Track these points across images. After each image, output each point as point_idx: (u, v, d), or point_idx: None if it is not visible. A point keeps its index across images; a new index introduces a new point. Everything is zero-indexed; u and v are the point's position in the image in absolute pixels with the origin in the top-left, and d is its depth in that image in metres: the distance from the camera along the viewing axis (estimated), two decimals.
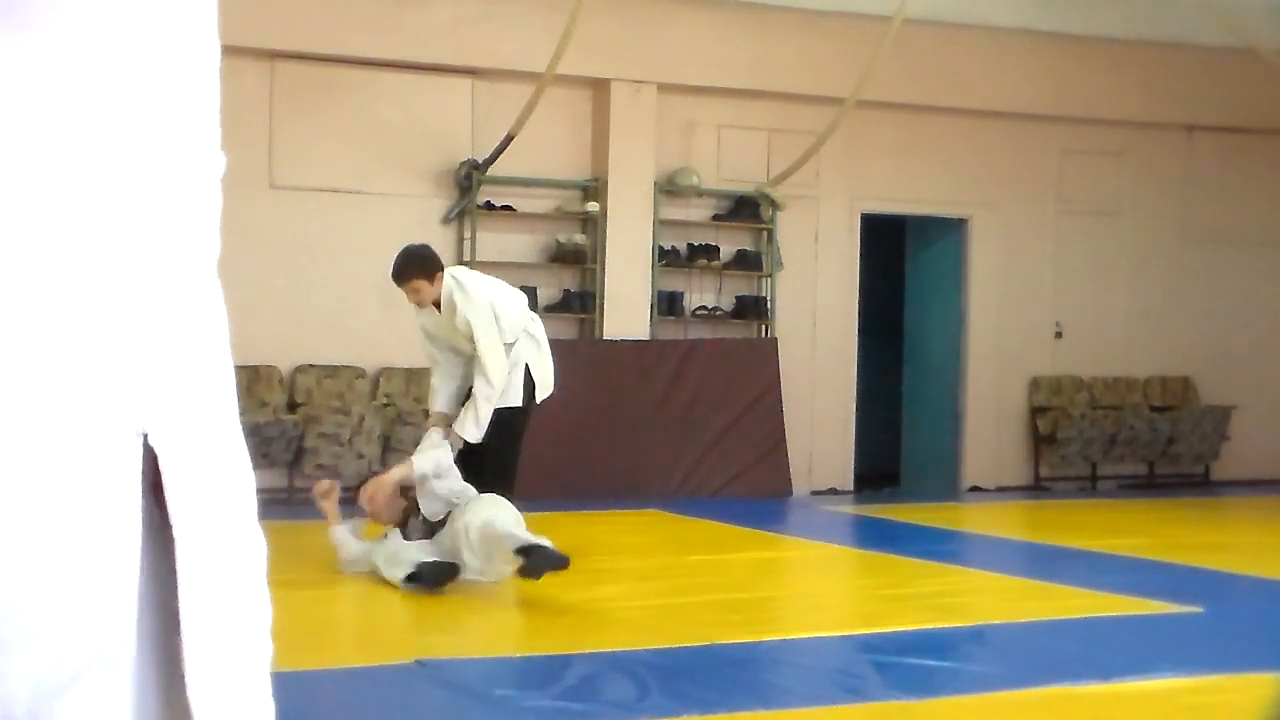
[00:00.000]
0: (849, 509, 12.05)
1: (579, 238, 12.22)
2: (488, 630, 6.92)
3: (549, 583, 7.58)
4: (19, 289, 1.02)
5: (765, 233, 12.97)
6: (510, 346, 7.82)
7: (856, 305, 13.43)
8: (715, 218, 12.86)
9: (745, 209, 12.85)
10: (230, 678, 1.13)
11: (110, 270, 1.07)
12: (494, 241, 11.91)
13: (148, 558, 1.08)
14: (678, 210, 12.72)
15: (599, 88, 12.32)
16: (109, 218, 1.09)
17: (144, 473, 1.07)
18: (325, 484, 8.00)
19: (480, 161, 11.72)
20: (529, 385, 7.98)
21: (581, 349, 11.87)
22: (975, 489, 13.70)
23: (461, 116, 11.90)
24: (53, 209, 1.05)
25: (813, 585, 8.47)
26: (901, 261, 14.22)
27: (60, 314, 1.04)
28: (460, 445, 7.73)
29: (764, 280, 12.97)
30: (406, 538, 7.56)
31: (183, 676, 1.10)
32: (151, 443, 1.08)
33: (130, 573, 1.06)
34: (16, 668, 1.00)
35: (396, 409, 11.45)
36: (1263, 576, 8.47)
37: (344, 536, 7.78)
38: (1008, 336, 13.85)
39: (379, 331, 11.29)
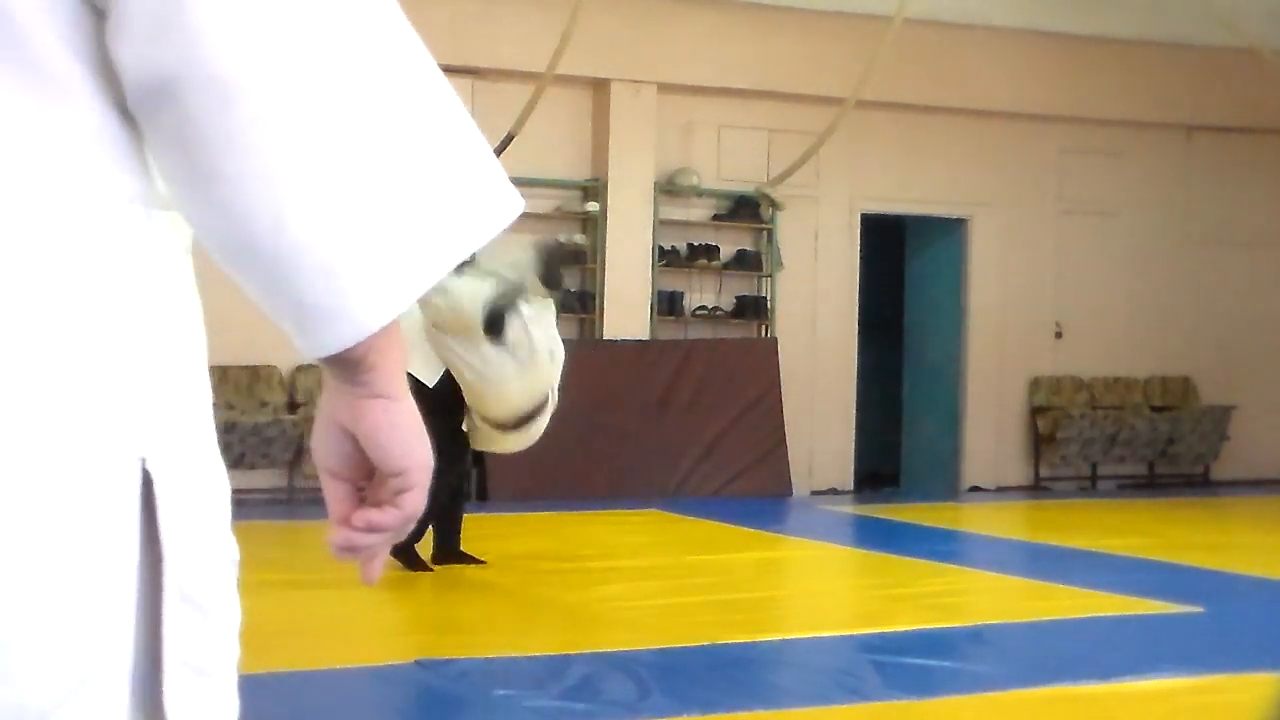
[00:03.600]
0: (849, 509, 12.05)
1: (579, 238, 12.22)
2: (488, 630, 6.92)
3: (549, 583, 7.59)
4: (27, 310, 1.11)
5: (765, 233, 12.97)
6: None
7: (856, 305, 13.42)
8: (715, 218, 12.86)
9: (745, 209, 12.84)
10: (205, 682, 1.19)
11: (111, 288, 1.14)
12: (494, 242, 11.89)
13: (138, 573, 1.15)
14: (678, 210, 12.72)
15: (599, 88, 12.32)
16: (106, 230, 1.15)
17: (141, 495, 1.14)
18: None
19: None
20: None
21: (581, 349, 11.87)
22: (975, 489, 13.69)
23: None
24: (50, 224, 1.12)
25: (813, 585, 8.47)
26: (901, 261, 14.22)
27: (71, 336, 1.12)
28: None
29: (764, 280, 12.97)
30: None
31: (159, 683, 1.16)
32: (149, 467, 1.14)
33: (128, 589, 1.13)
34: (22, 681, 1.07)
35: None
36: (1263, 576, 8.47)
37: None
38: (1008, 336, 13.85)
39: None
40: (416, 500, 1.23)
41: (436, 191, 1.20)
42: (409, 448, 1.23)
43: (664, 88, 12.52)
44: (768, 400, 12.52)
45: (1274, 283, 14.76)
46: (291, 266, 1.14)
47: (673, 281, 12.69)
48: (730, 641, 6.20)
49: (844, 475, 13.39)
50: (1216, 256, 14.59)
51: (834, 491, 13.17)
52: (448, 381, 7.31)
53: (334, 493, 1.25)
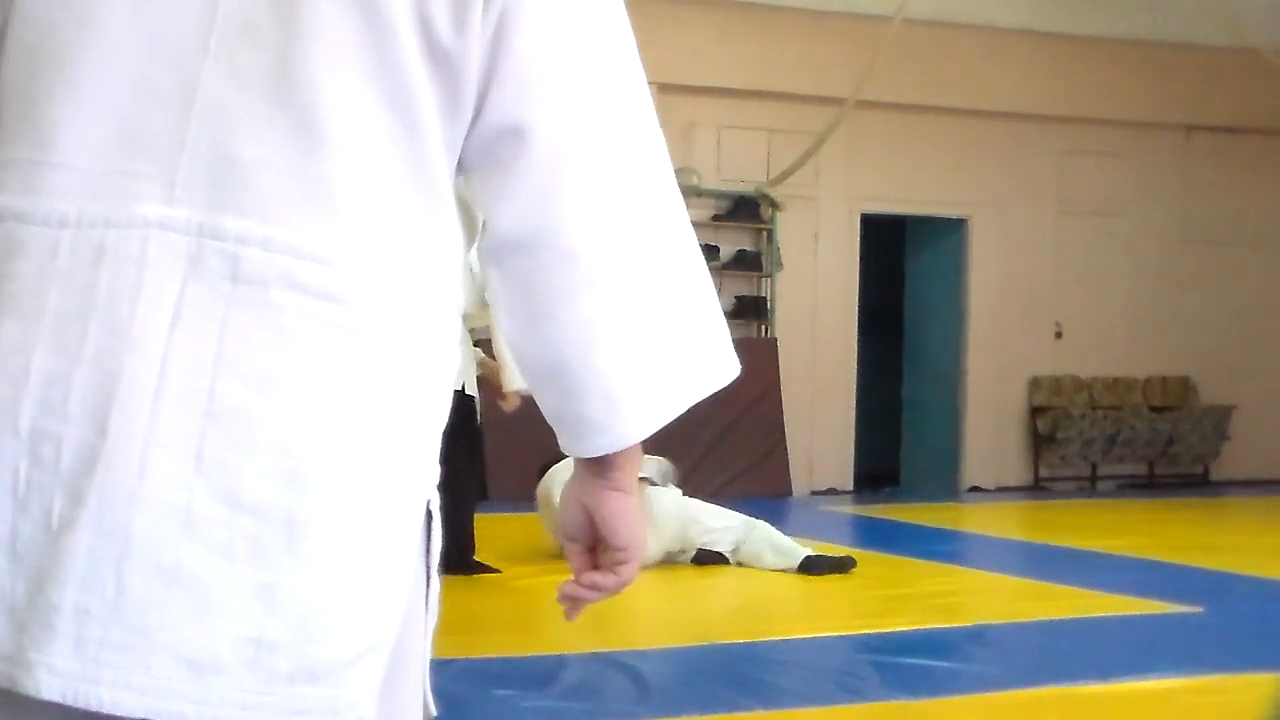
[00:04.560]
0: (849, 509, 12.05)
1: None
2: (488, 630, 6.92)
3: (549, 582, 7.57)
4: (408, 391, 1.51)
5: (765, 233, 12.97)
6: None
7: (856, 305, 13.43)
8: (715, 218, 12.86)
9: (745, 209, 12.85)
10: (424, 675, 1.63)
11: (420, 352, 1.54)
12: None
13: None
14: None
15: None
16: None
17: (426, 526, 1.57)
18: None
19: None
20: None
21: None
22: (975, 489, 13.70)
23: None
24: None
25: (813, 585, 8.46)
26: (901, 261, 14.23)
27: (420, 415, 1.52)
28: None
29: (764, 280, 12.97)
30: None
31: (427, 663, 1.62)
32: (431, 508, 1.57)
33: (411, 598, 1.55)
34: (333, 642, 1.45)
35: None
36: (1263, 576, 8.47)
37: None
38: (1008, 336, 13.85)
39: None
40: (632, 570, 1.62)
41: (691, 344, 1.62)
42: (632, 532, 1.61)
43: (664, 88, 12.51)
44: (768, 400, 12.52)
45: (1274, 283, 14.77)
46: (585, 389, 1.55)
47: None
48: (730, 641, 6.20)
49: (844, 475, 13.39)
50: (1216, 256, 14.59)
51: (834, 491, 13.18)
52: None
53: (572, 552, 1.65)
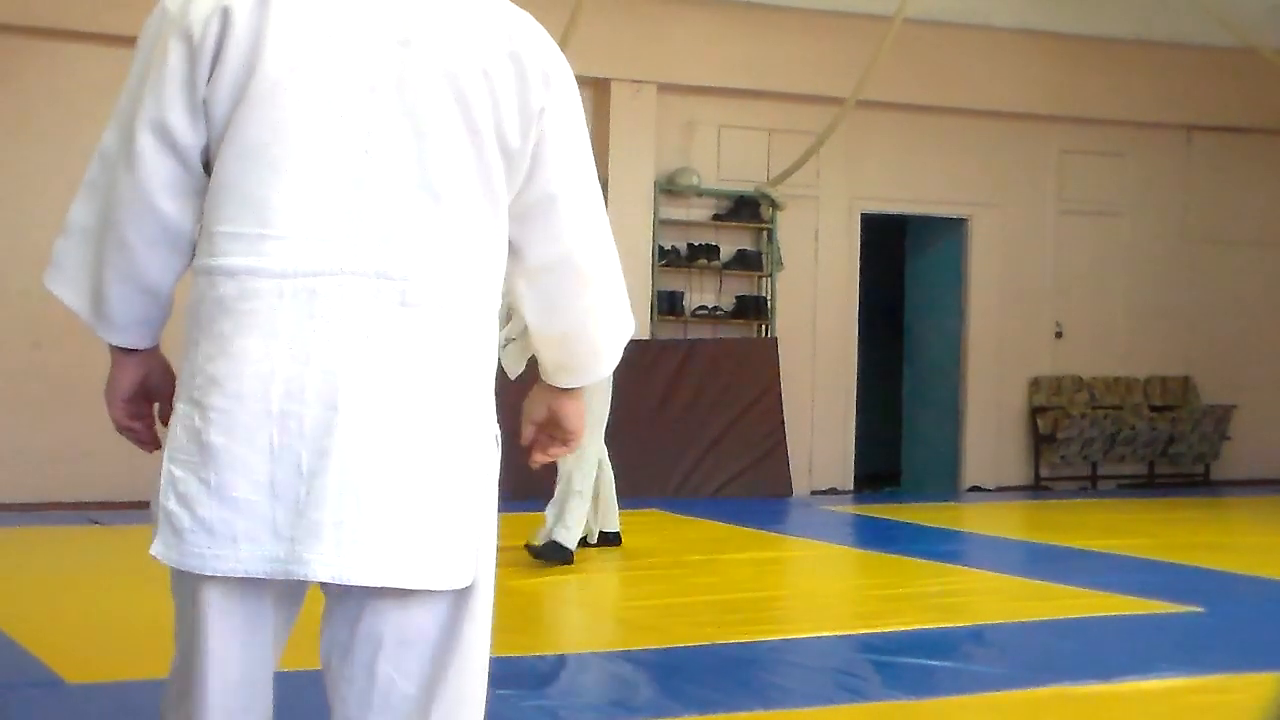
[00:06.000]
0: (849, 509, 12.05)
1: None
2: None
3: (549, 582, 7.59)
4: (481, 356, 2.47)
5: (765, 232, 12.97)
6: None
7: (856, 305, 13.42)
8: (715, 218, 12.87)
9: (745, 209, 12.84)
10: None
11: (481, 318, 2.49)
12: None
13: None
14: (678, 210, 12.72)
15: (599, 88, 12.32)
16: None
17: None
18: None
19: None
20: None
21: None
22: (975, 489, 13.70)
23: None
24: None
25: (813, 585, 8.46)
26: (901, 261, 14.22)
27: (486, 371, 2.48)
28: None
29: (764, 280, 12.97)
30: None
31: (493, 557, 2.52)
32: (497, 436, 2.50)
33: (493, 504, 2.50)
34: (457, 541, 2.40)
35: None
36: (1263, 576, 8.48)
37: None
38: (1008, 336, 13.85)
39: None
40: (577, 443, 2.70)
41: (625, 315, 2.65)
42: (580, 423, 2.69)
43: (664, 88, 12.52)
44: (768, 400, 12.52)
45: (1274, 283, 14.77)
46: (582, 349, 2.62)
47: (673, 281, 12.69)
48: (730, 641, 6.20)
49: (844, 475, 13.39)
50: (1216, 256, 14.59)
51: (834, 491, 13.17)
52: None
53: (531, 430, 2.69)
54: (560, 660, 5.88)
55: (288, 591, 2.40)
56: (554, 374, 2.63)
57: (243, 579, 2.32)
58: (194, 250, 2.38)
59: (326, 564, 2.28)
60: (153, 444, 2.52)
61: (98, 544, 9.15)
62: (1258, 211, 14.66)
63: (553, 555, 8.07)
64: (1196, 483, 14.38)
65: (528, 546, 8.19)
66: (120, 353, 2.49)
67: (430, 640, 2.39)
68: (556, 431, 2.66)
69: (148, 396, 2.52)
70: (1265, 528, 11.38)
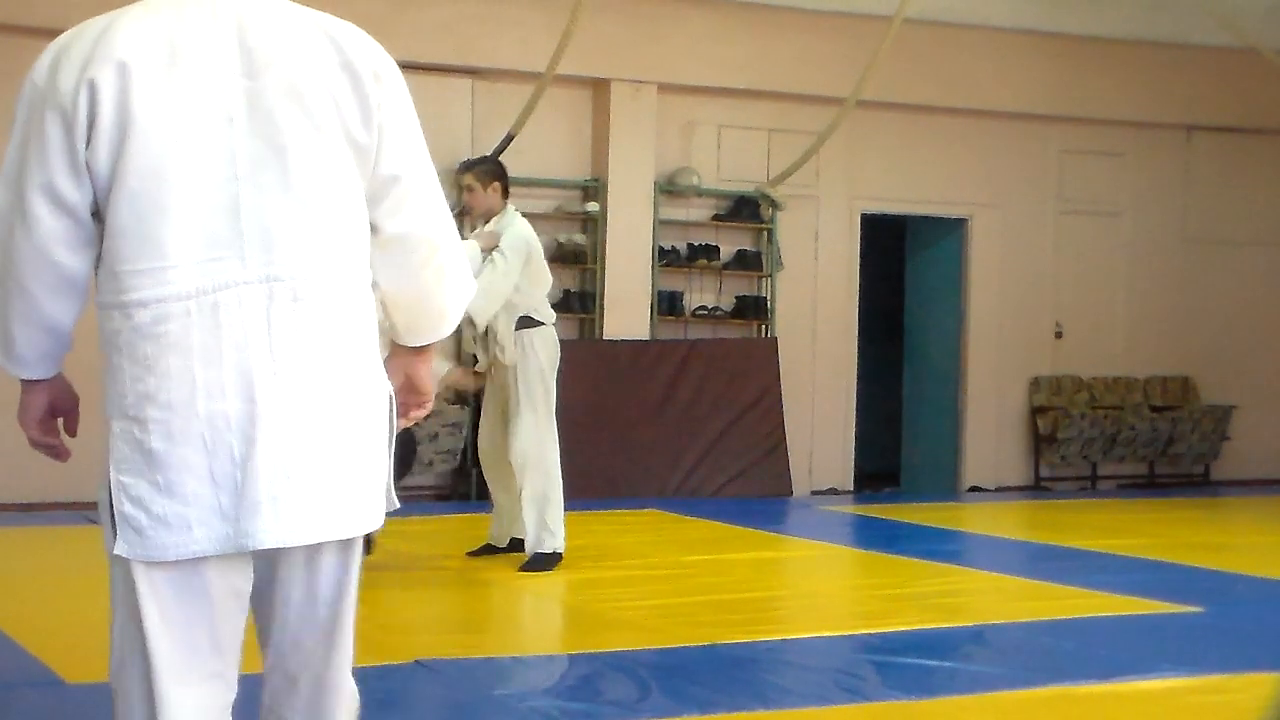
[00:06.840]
0: (849, 509, 12.05)
1: (579, 238, 12.22)
2: (488, 630, 6.92)
3: (549, 582, 7.59)
4: (369, 328, 2.83)
5: (765, 233, 12.97)
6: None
7: (856, 305, 13.43)
8: (715, 218, 12.86)
9: (745, 209, 12.84)
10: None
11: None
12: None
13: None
14: (678, 210, 12.72)
15: (599, 88, 12.32)
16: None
17: (389, 405, 2.86)
18: None
19: None
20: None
21: (581, 349, 11.87)
22: (975, 489, 13.70)
23: (461, 116, 11.89)
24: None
25: (813, 585, 8.46)
26: (901, 261, 14.22)
27: (373, 339, 2.82)
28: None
29: (764, 280, 12.97)
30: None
31: (392, 489, 2.88)
32: (391, 394, 2.87)
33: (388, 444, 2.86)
34: (364, 485, 2.80)
35: None
36: (1263, 576, 8.48)
37: None
38: (1008, 336, 13.85)
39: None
40: (429, 405, 3.01)
41: (466, 284, 2.97)
42: (429, 384, 2.99)
43: (664, 88, 12.52)
44: (768, 400, 12.52)
45: (1274, 283, 14.77)
46: (429, 310, 2.92)
47: (673, 281, 12.69)
48: (730, 641, 6.20)
49: (844, 475, 13.39)
50: (1216, 256, 14.59)
51: (834, 491, 13.18)
52: None
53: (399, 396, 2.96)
54: (560, 660, 5.88)
55: (232, 560, 2.72)
56: (405, 334, 2.93)
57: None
58: (92, 288, 2.71)
59: (268, 531, 2.64)
60: (65, 454, 2.95)
61: (98, 544, 9.14)
62: (1258, 211, 14.66)
63: (542, 566, 7.98)
64: (1196, 483, 14.38)
65: (519, 561, 8.08)
66: (29, 382, 2.82)
67: (332, 582, 2.79)
68: (412, 396, 2.96)
69: (55, 415, 2.88)
70: (1265, 528, 11.38)
